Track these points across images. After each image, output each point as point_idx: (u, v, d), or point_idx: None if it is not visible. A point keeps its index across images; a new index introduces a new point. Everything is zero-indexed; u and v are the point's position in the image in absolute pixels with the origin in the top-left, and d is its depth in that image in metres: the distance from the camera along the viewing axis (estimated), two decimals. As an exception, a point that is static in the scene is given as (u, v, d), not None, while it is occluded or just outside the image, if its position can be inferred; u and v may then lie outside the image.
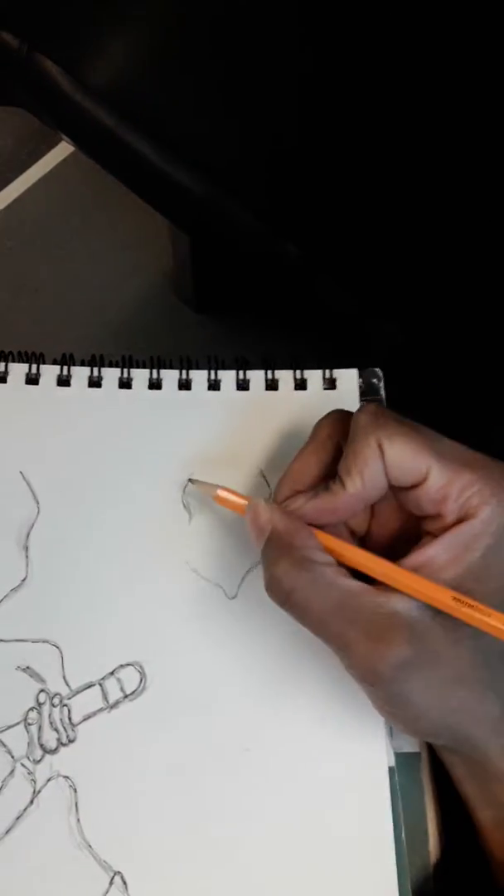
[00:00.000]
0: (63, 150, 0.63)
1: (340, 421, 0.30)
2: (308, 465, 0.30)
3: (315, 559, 0.27)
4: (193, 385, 0.37)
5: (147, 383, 0.36)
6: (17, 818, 0.30)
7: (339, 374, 0.37)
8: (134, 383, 0.36)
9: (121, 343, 0.64)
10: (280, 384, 0.37)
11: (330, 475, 0.29)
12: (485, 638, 0.26)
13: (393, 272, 0.47)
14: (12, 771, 0.30)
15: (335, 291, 0.49)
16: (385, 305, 0.47)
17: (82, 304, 0.62)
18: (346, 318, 0.49)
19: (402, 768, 0.32)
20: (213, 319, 0.61)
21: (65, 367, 0.36)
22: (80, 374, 0.36)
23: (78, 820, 0.30)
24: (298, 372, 0.37)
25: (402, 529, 0.30)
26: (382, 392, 0.37)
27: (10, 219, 0.61)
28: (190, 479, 0.34)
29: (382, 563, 0.27)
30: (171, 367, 0.37)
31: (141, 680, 0.32)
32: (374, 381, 0.37)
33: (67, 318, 0.62)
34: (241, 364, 0.37)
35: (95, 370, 0.36)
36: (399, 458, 0.27)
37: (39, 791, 0.30)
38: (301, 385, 0.37)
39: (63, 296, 0.61)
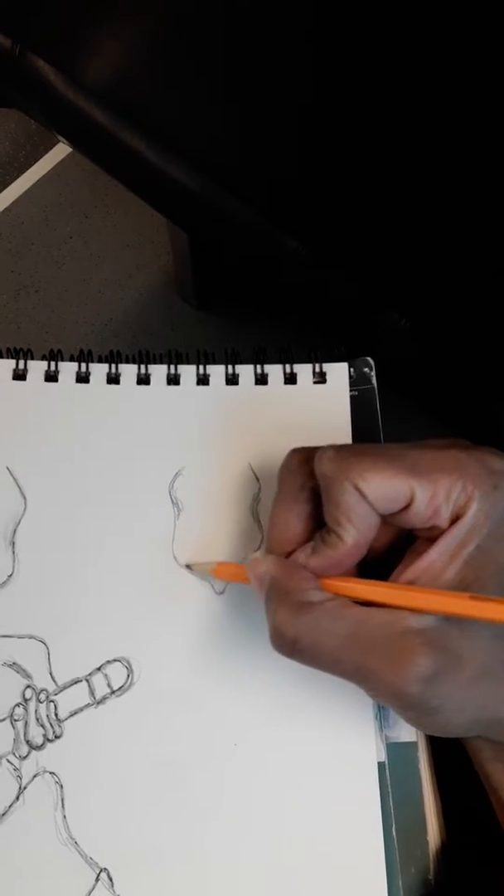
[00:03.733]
0: (60, 151, 0.63)
1: (306, 463, 0.29)
2: (289, 522, 0.29)
3: (313, 599, 0.26)
4: (182, 380, 0.37)
5: (135, 379, 0.36)
6: (3, 815, 0.30)
7: (328, 367, 0.37)
8: (122, 379, 0.36)
9: (122, 342, 0.64)
10: (270, 379, 0.37)
11: (315, 526, 0.28)
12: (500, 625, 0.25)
13: (395, 261, 0.47)
14: (-2, 767, 0.30)
15: (336, 282, 0.48)
16: (388, 294, 0.47)
17: (83, 304, 0.62)
18: (348, 310, 0.49)
19: (399, 758, 0.31)
20: (214, 315, 0.61)
21: (52, 363, 0.36)
22: (68, 369, 0.36)
23: (64, 816, 0.30)
24: (288, 366, 0.37)
25: (397, 538, 0.29)
26: (374, 381, 0.37)
27: (9, 221, 0.62)
28: (187, 566, 0.33)
29: (387, 589, 0.26)
30: (160, 363, 0.37)
31: (128, 675, 0.32)
32: (366, 370, 0.37)
33: (68, 319, 0.62)
34: (231, 358, 0.37)
35: (83, 366, 0.36)
36: (380, 492, 0.26)
37: (25, 787, 0.30)
38: (291, 379, 0.37)
39: (64, 296, 0.62)
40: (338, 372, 0.37)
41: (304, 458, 0.29)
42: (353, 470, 0.26)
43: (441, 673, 0.25)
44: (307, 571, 0.27)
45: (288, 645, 0.26)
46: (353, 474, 0.26)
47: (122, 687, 0.32)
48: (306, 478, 0.29)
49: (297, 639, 0.26)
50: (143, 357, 0.37)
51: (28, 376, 0.36)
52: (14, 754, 0.31)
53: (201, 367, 0.37)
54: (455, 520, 0.26)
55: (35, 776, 0.30)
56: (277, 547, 0.29)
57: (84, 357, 0.36)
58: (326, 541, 0.27)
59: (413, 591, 0.26)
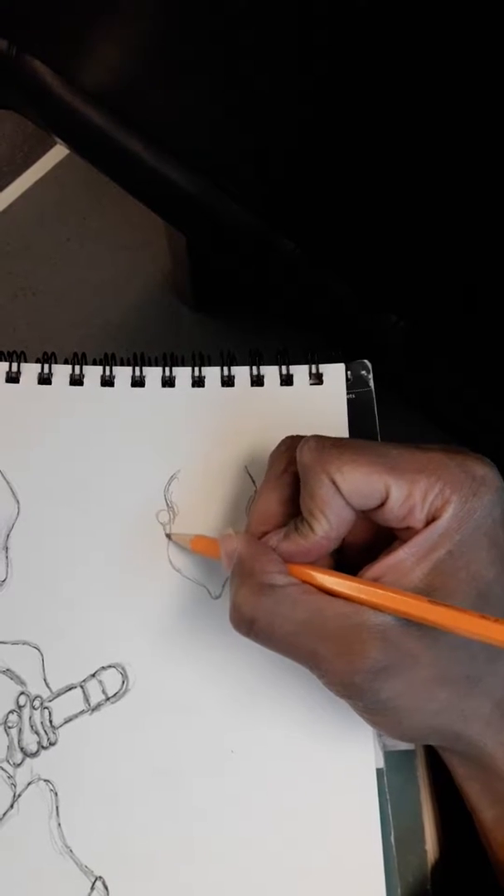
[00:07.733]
0: (58, 152, 0.63)
1: (292, 449, 0.29)
2: (270, 503, 0.29)
3: (276, 583, 0.26)
4: (177, 382, 0.36)
5: (130, 381, 0.36)
6: (-3, 823, 0.29)
7: (325, 368, 0.37)
8: (116, 381, 0.36)
9: (120, 344, 0.63)
10: (266, 380, 0.36)
11: (294, 510, 0.28)
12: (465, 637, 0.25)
13: (394, 263, 0.46)
14: (-9, 775, 0.30)
15: (335, 285, 0.48)
16: (386, 297, 0.46)
17: (81, 307, 0.61)
18: (346, 311, 0.48)
19: (397, 766, 0.31)
20: (212, 317, 0.60)
21: (46, 366, 0.36)
22: (62, 372, 0.36)
23: (59, 824, 0.30)
24: (284, 367, 0.37)
25: (376, 536, 0.29)
26: (371, 384, 0.37)
27: (6, 223, 0.61)
28: (167, 535, 0.34)
29: (348, 582, 0.26)
30: (156, 364, 0.36)
31: (123, 682, 0.31)
32: (363, 372, 0.37)
33: (66, 321, 0.62)
34: (227, 360, 0.37)
35: (77, 368, 0.36)
36: (355, 487, 0.26)
37: (20, 795, 0.30)
38: (287, 381, 0.36)
39: (61, 298, 0.61)
40: (334, 373, 0.37)
41: (291, 444, 0.29)
42: (332, 463, 0.26)
43: (392, 668, 0.25)
44: (275, 554, 0.27)
45: (245, 624, 0.27)
46: (331, 467, 0.26)
47: (117, 693, 0.31)
48: (289, 463, 0.29)
49: (255, 619, 0.26)
50: (138, 359, 0.36)
51: (21, 379, 0.36)
52: (8, 762, 0.30)
53: (196, 369, 0.36)
54: (430, 522, 0.26)
55: (29, 784, 0.30)
56: (255, 526, 0.29)
57: (78, 360, 0.36)
58: (299, 529, 0.27)
59: (373, 587, 0.26)
